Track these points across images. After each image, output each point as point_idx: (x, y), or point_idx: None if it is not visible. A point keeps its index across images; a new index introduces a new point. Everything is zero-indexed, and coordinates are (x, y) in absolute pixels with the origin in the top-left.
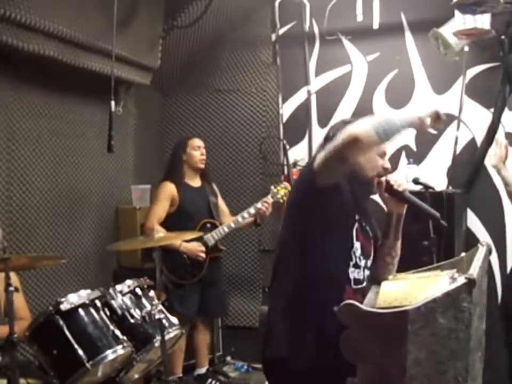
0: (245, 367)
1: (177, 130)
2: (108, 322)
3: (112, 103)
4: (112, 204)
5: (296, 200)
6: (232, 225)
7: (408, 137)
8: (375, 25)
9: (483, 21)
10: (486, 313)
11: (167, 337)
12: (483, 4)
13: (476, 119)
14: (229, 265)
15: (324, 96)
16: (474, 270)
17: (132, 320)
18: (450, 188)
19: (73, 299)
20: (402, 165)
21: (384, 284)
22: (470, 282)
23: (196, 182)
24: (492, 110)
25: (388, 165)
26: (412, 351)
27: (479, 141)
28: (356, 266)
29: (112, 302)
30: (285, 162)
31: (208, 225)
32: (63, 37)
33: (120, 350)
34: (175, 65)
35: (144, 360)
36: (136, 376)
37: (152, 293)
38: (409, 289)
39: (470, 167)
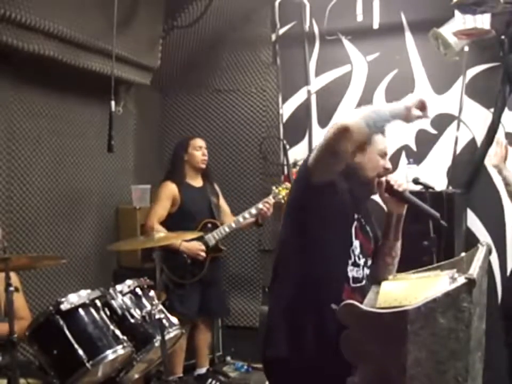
0: (245, 367)
1: (177, 130)
2: (108, 322)
3: (112, 103)
4: (112, 203)
5: (294, 199)
6: (233, 225)
7: (408, 137)
8: (375, 25)
9: (483, 21)
10: (486, 313)
11: (167, 337)
12: (483, 3)
13: (476, 119)
14: (229, 265)
15: (324, 96)
16: (474, 270)
17: (132, 320)
18: (450, 187)
19: (73, 299)
20: (402, 165)
21: (384, 283)
22: (470, 282)
23: (197, 182)
24: (492, 110)
25: (389, 165)
26: (412, 351)
27: (479, 141)
28: (355, 264)
29: (112, 302)
30: (285, 162)
31: (209, 225)
32: (63, 37)
33: (120, 350)
34: (175, 65)
35: (144, 360)
36: (136, 376)
37: (152, 293)
38: (409, 289)
39: (470, 167)
